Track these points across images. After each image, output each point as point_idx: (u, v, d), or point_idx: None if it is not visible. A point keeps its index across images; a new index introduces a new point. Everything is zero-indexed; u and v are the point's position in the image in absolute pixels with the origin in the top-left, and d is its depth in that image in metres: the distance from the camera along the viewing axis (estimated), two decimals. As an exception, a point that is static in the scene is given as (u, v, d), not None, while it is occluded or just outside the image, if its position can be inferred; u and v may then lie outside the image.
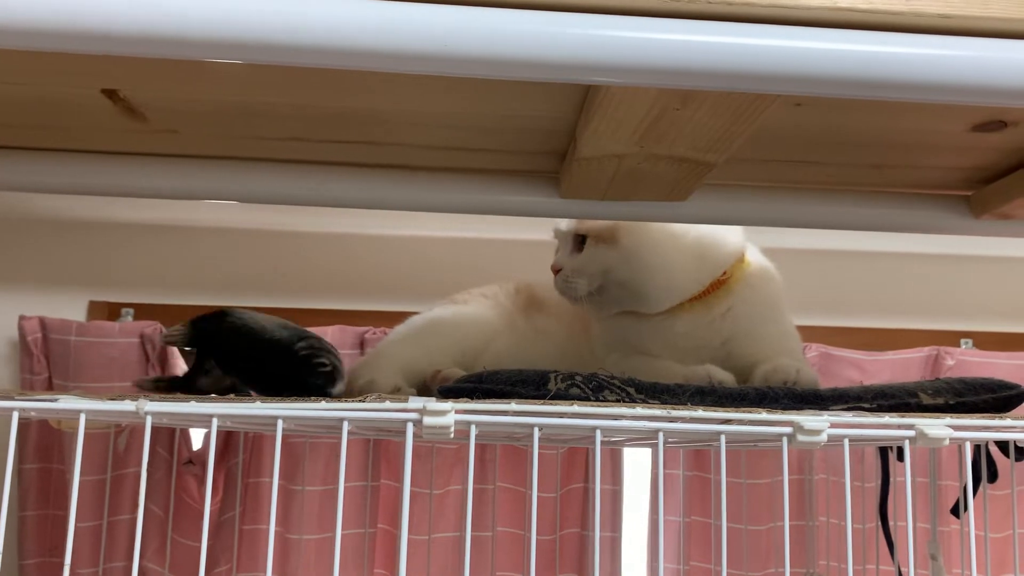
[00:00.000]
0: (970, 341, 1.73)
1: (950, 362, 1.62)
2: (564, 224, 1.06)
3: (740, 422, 0.79)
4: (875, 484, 1.33)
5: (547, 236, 1.74)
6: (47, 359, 1.55)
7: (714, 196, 0.92)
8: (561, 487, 1.61)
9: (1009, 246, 1.75)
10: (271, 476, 1.55)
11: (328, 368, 1.02)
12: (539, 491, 1.60)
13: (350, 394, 1.06)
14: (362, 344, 1.60)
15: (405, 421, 0.76)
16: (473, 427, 0.76)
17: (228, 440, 1.58)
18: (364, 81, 0.71)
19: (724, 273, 1.03)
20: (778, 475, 1.60)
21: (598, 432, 0.77)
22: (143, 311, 1.65)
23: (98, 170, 0.86)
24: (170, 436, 1.54)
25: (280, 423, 0.75)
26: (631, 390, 0.90)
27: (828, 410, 0.89)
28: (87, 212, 1.71)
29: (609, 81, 0.54)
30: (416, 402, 0.77)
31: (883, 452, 1.40)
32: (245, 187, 0.88)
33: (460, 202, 0.92)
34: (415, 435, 0.75)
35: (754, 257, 1.07)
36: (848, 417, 0.81)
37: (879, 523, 1.28)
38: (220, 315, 1.04)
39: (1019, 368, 1.62)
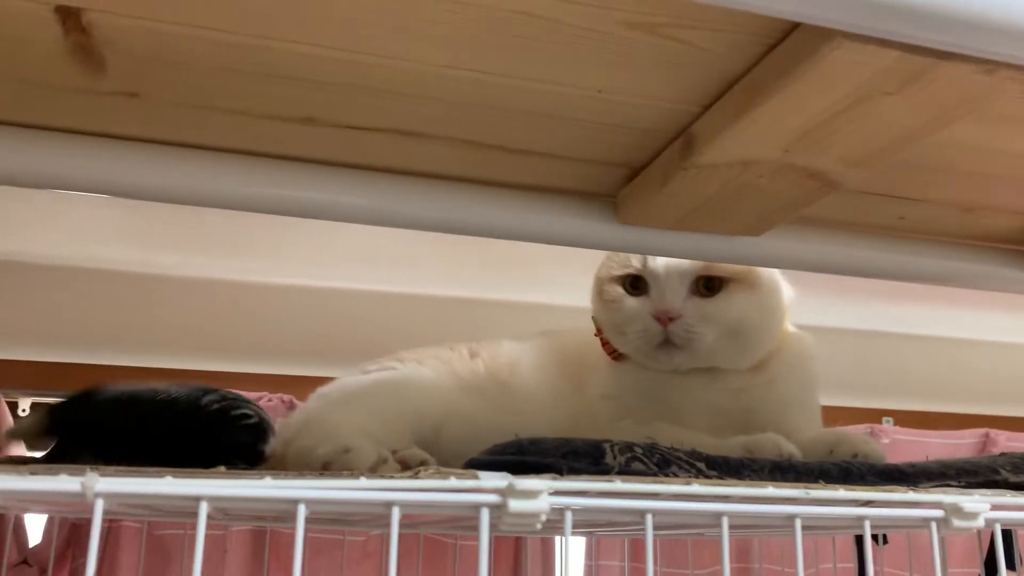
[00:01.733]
0: (891, 419, 1.69)
1: (885, 440, 1.56)
2: (677, 263, 0.87)
3: (884, 503, 0.63)
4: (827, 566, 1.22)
5: (468, 293, 1.55)
6: None
7: (786, 234, 0.78)
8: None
9: (923, 325, 1.75)
10: (131, 578, 1.23)
11: (253, 419, 0.80)
12: (460, 589, 1.37)
13: (310, 470, 0.83)
14: (257, 413, 1.33)
15: (479, 506, 0.54)
16: (568, 513, 0.56)
17: (74, 532, 1.24)
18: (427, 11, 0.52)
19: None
20: (716, 564, 1.46)
21: (725, 520, 0.58)
22: (-36, 368, 1.29)
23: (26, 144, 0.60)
24: (-1, 528, 1.19)
25: (302, 509, 0.51)
26: (701, 465, 0.73)
27: (919, 488, 0.76)
28: None
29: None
30: (492, 479, 0.55)
31: (858, 537, 1.30)
32: (228, 182, 0.65)
33: (490, 222, 0.72)
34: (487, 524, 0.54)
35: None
36: (1007, 497, 0.67)
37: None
38: (85, 394, 0.83)
39: (951, 447, 1.59)
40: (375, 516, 0.71)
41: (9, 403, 1.28)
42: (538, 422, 0.97)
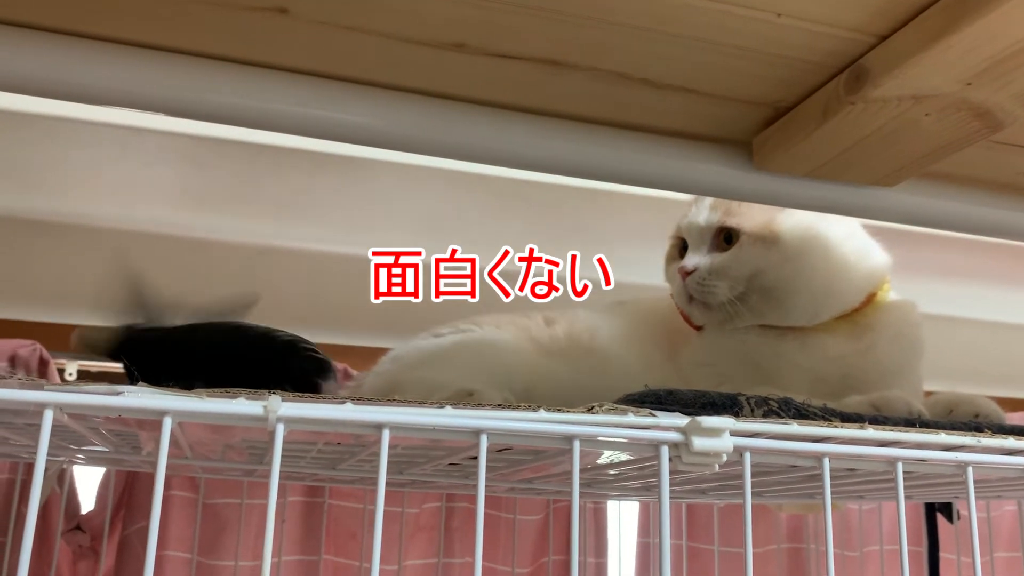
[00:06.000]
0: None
1: (936, 423, 1.55)
2: (703, 218, 0.87)
3: (1050, 455, 0.61)
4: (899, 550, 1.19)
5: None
6: None
7: (914, 188, 0.76)
8: (535, 560, 1.36)
9: (976, 308, 1.72)
10: (184, 548, 1.19)
11: (320, 356, 0.85)
12: (513, 566, 1.34)
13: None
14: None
15: (659, 443, 0.52)
16: (747, 455, 0.54)
17: (126, 497, 1.21)
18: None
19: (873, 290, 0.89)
20: (771, 543, 1.44)
21: (899, 466, 0.56)
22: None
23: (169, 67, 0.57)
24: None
25: (484, 439, 0.48)
26: (835, 420, 0.70)
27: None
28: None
29: None
30: (668, 417, 0.53)
31: (930, 514, 1.28)
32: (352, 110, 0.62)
33: (623, 167, 0.70)
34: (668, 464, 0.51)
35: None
36: None
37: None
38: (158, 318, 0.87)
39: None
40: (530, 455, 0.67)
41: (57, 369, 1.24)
42: (629, 387, 0.95)
